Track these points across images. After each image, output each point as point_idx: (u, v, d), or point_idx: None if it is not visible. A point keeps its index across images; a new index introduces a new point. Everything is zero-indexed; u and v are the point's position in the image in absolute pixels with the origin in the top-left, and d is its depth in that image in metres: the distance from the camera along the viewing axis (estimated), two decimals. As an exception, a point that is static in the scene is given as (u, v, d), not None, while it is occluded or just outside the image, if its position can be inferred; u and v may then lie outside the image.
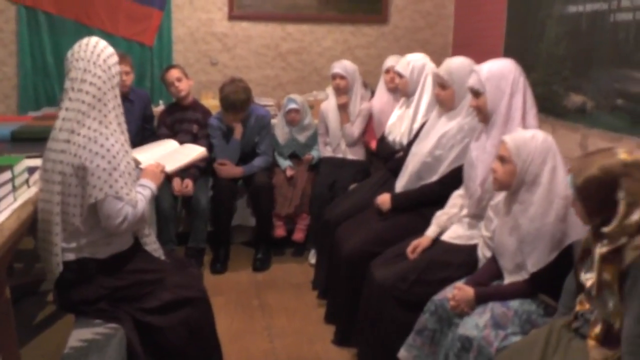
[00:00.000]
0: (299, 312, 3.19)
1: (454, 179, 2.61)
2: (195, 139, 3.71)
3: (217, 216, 3.68)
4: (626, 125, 3.03)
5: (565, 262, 1.92)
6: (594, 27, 3.25)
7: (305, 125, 3.92)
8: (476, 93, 2.34)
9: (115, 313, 2.03)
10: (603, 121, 3.17)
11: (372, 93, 4.03)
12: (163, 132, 3.73)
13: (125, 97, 3.43)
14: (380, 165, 3.65)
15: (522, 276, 2.01)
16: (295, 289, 3.46)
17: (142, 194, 2.12)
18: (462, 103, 2.69)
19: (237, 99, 3.54)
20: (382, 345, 2.37)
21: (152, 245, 2.24)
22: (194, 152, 2.84)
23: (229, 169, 3.67)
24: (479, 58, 3.49)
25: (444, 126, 2.71)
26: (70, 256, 2.03)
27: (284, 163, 3.84)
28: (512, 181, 2.02)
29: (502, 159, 2.03)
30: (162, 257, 2.25)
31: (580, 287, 1.76)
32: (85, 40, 2.05)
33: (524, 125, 2.27)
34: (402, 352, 2.25)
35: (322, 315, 3.08)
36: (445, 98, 2.71)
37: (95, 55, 2.01)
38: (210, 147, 3.65)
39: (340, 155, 3.95)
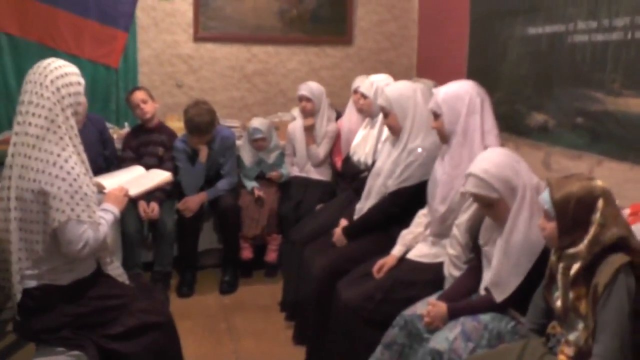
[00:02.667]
0: (266, 334, 3.16)
1: (397, 197, 2.66)
2: (161, 162, 3.67)
3: (183, 239, 3.64)
4: (586, 142, 3.11)
5: (534, 275, 1.94)
6: (553, 48, 3.34)
7: (272, 148, 3.92)
8: (435, 115, 2.39)
9: (78, 341, 1.98)
10: (565, 139, 3.24)
11: (338, 114, 4.06)
12: (128, 155, 3.69)
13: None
14: (346, 185, 3.67)
15: (505, 290, 2.01)
16: (263, 311, 3.43)
17: (104, 218, 2.09)
18: (405, 125, 2.70)
19: (201, 122, 3.51)
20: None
21: (116, 270, 2.21)
22: (159, 176, 2.83)
23: (192, 203, 3.61)
24: (444, 79, 3.55)
25: (394, 154, 2.74)
26: (31, 283, 1.98)
27: (250, 184, 3.83)
28: (506, 215, 2.01)
29: (485, 204, 2.03)
30: (127, 282, 2.22)
31: (550, 310, 1.79)
32: (39, 63, 2.02)
33: (484, 145, 2.31)
34: (369, 366, 2.25)
35: (290, 337, 3.05)
36: (390, 124, 2.76)
37: (43, 77, 1.96)
38: (175, 170, 3.61)
39: (304, 175, 3.96)
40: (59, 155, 1.91)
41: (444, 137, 2.40)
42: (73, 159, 1.94)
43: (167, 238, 3.55)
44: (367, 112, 3.29)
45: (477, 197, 2.04)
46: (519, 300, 2.00)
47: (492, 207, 2.02)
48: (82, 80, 2.07)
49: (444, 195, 2.34)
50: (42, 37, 4.26)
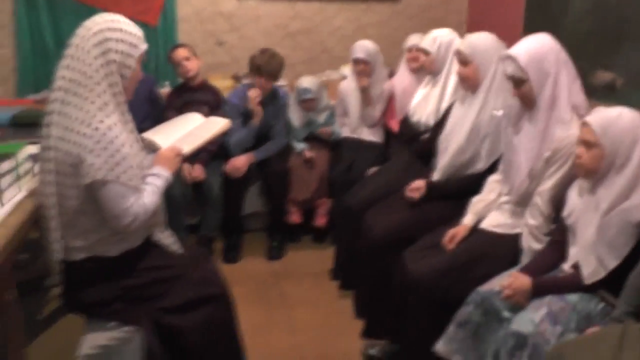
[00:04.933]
0: (320, 303, 3.03)
1: (493, 170, 2.44)
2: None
3: (229, 202, 3.49)
4: (661, 103, 2.88)
5: (631, 254, 1.75)
6: (624, 1, 3.07)
7: (322, 108, 3.72)
8: (518, 82, 2.12)
9: (132, 314, 1.86)
10: (635, 99, 2.98)
11: (390, 72, 3.84)
12: (172, 114, 3.49)
13: None
14: (401, 148, 3.46)
15: (598, 271, 1.82)
16: (314, 279, 3.29)
17: (154, 184, 1.91)
18: (486, 81, 2.49)
19: (275, 62, 3.45)
20: (418, 341, 2.21)
21: (167, 239, 2.06)
22: (215, 125, 2.41)
23: (240, 163, 3.44)
24: (498, 35, 3.34)
25: (471, 115, 2.50)
26: (80, 255, 1.86)
27: (300, 145, 3.64)
28: (600, 166, 1.83)
29: (586, 144, 1.83)
30: (179, 251, 2.08)
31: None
32: (85, 22, 1.81)
33: (571, 103, 2.09)
34: (440, 345, 2.10)
35: (345, 307, 2.92)
36: (468, 75, 2.50)
37: (94, 24, 1.77)
38: None
39: (356, 137, 3.77)
40: (93, 116, 1.72)
41: (530, 103, 2.13)
42: (112, 119, 1.75)
43: (214, 201, 3.40)
44: (429, 69, 3.05)
45: None
46: (609, 280, 1.81)
47: None
48: (141, 45, 1.85)
49: (532, 166, 2.11)
50: (77, -7, 4.12)
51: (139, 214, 1.80)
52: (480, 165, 2.51)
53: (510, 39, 2.67)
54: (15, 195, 1.94)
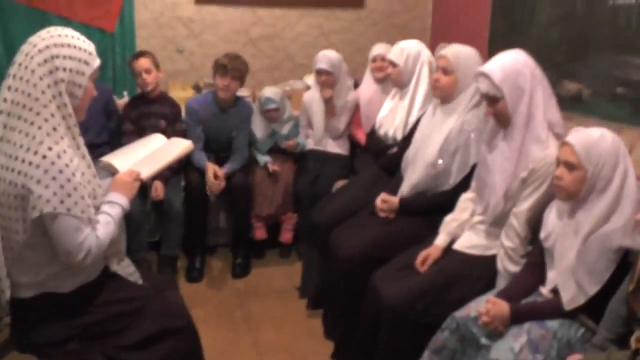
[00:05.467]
0: (287, 323, 2.92)
1: (466, 186, 2.39)
2: (165, 136, 3.38)
3: (191, 219, 3.35)
4: (628, 114, 2.87)
5: (611, 279, 1.71)
6: (590, 11, 3.07)
7: (285, 118, 3.61)
8: (492, 99, 2.05)
9: (88, 354, 1.72)
10: (601, 110, 3.00)
11: (355, 83, 3.77)
12: (128, 127, 3.38)
13: None
14: (367, 161, 3.40)
15: (578, 297, 1.77)
16: (280, 297, 3.18)
17: (109, 214, 1.76)
18: (462, 95, 2.45)
19: (237, 63, 3.37)
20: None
21: (126, 269, 1.92)
22: (177, 147, 2.28)
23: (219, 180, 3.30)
24: (462, 43, 3.30)
25: (443, 127, 2.45)
26: (29, 292, 1.70)
27: (263, 158, 3.53)
28: (582, 188, 1.78)
29: (568, 165, 1.78)
30: (139, 281, 1.94)
31: (634, 320, 1.55)
32: (44, 30, 1.67)
33: (546, 120, 2.03)
34: (416, 372, 2.03)
35: (314, 327, 2.83)
36: (446, 85, 2.44)
37: (40, 39, 1.62)
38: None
39: (321, 149, 3.68)
40: (41, 143, 1.57)
41: (505, 121, 2.07)
42: (61, 145, 1.60)
43: (175, 219, 3.25)
44: (395, 81, 2.98)
45: None
46: (589, 305, 1.76)
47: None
48: (93, 61, 1.70)
49: (507, 186, 2.06)
50: (31, -2, 3.92)
51: (91, 248, 1.65)
52: (451, 180, 2.45)
53: (475, 47, 2.63)
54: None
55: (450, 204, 2.39)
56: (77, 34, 1.70)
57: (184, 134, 3.37)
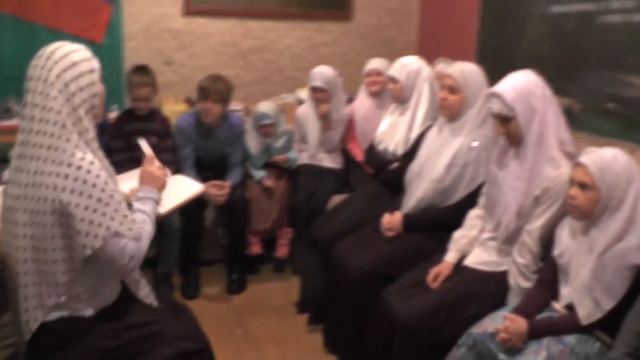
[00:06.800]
0: (289, 340, 2.90)
1: (470, 202, 2.42)
2: (155, 153, 3.32)
3: (186, 235, 3.31)
4: (618, 129, 2.95)
5: (626, 295, 1.75)
6: (581, 29, 3.16)
7: (280, 133, 3.61)
8: (504, 119, 2.09)
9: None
10: (592, 125, 3.07)
11: (349, 99, 3.78)
12: (119, 144, 3.30)
13: None
14: (363, 176, 3.42)
15: (594, 312, 1.80)
16: (279, 313, 3.16)
17: (143, 211, 1.78)
18: (469, 113, 2.47)
19: (215, 85, 3.31)
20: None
21: (144, 290, 1.89)
22: (190, 189, 2.30)
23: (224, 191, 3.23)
24: (450, 57, 3.32)
25: (451, 145, 2.48)
26: (50, 316, 1.67)
27: (258, 174, 3.51)
28: (596, 208, 1.82)
29: (582, 185, 1.82)
30: (154, 303, 1.91)
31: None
32: (42, 51, 1.66)
33: (558, 139, 2.07)
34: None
35: (315, 342, 2.80)
36: (454, 104, 2.47)
37: (46, 72, 1.61)
38: (173, 162, 3.28)
39: (315, 163, 3.68)
40: (79, 168, 1.57)
41: (517, 140, 2.11)
42: (97, 165, 1.61)
43: (173, 236, 3.20)
44: (396, 97, 3.00)
45: None
46: (604, 320, 1.80)
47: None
48: (95, 66, 1.70)
49: (521, 204, 2.08)
50: (16, 8, 3.83)
51: (134, 253, 1.67)
52: (457, 195, 2.47)
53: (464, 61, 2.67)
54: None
55: (454, 220, 2.42)
56: (72, 46, 1.69)
57: (173, 151, 3.35)
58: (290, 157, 3.63)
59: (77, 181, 1.56)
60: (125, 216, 1.65)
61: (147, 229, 1.76)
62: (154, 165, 1.95)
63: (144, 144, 2.12)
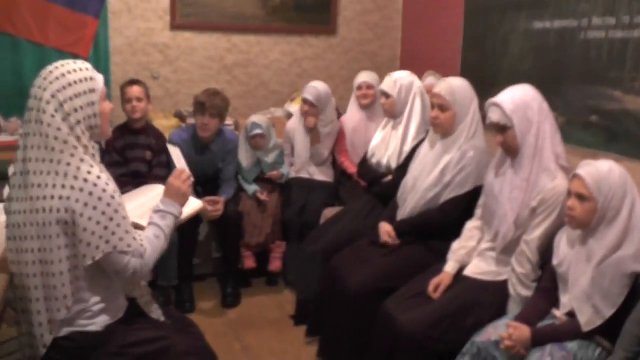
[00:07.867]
0: (287, 353, 2.91)
1: (454, 207, 2.51)
2: (149, 167, 3.35)
3: (181, 249, 3.31)
4: (601, 141, 3.06)
5: (625, 301, 1.83)
6: (562, 45, 3.26)
7: (271, 147, 3.63)
8: (502, 129, 2.17)
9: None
10: (575, 137, 3.17)
11: (338, 113, 3.83)
12: (114, 158, 3.31)
13: None
14: (355, 189, 3.46)
15: (594, 319, 1.87)
16: (275, 327, 3.17)
17: (159, 226, 1.79)
18: (461, 127, 2.55)
19: (214, 101, 3.31)
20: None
21: (151, 305, 1.90)
22: (190, 206, 2.26)
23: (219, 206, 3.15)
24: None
25: (443, 158, 2.55)
26: (59, 332, 1.68)
27: (251, 188, 3.53)
28: (593, 219, 1.89)
29: (580, 197, 1.90)
30: (162, 318, 1.92)
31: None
32: (45, 69, 1.66)
33: (554, 152, 2.16)
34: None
35: (314, 355, 2.81)
36: (445, 122, 2.53)
37: (42, 91, 1.62)
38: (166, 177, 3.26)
39: (306, 176, 3.72)
40: (85, 180, 1.60)
41: (513, 151, 2.19)
42: (104, 179, 1.63)
43: (171, 250, 3.19)
44: (389, 112, 3.06)
45: None
46: (604, 326, 1.86)
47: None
48: (95, 86, 1.68)
49: (518, 214, 2.16)
50: (0, 23, 3.81)
51: (137, 268, 1.70)
52: (442, 199, 2.55)
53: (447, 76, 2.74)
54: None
55: (441, 222, 2.53)
56: (72, 66, 1.67)
57: (167, 166, 3.35)
58: (284, 172, 3.66)
59: (84, 192, 1.59)
60: (127, 232, 1.66)
61: (156, 245, 1.77)
62: (182, 177, 1.91)
63: (175, 152, 2.10)
